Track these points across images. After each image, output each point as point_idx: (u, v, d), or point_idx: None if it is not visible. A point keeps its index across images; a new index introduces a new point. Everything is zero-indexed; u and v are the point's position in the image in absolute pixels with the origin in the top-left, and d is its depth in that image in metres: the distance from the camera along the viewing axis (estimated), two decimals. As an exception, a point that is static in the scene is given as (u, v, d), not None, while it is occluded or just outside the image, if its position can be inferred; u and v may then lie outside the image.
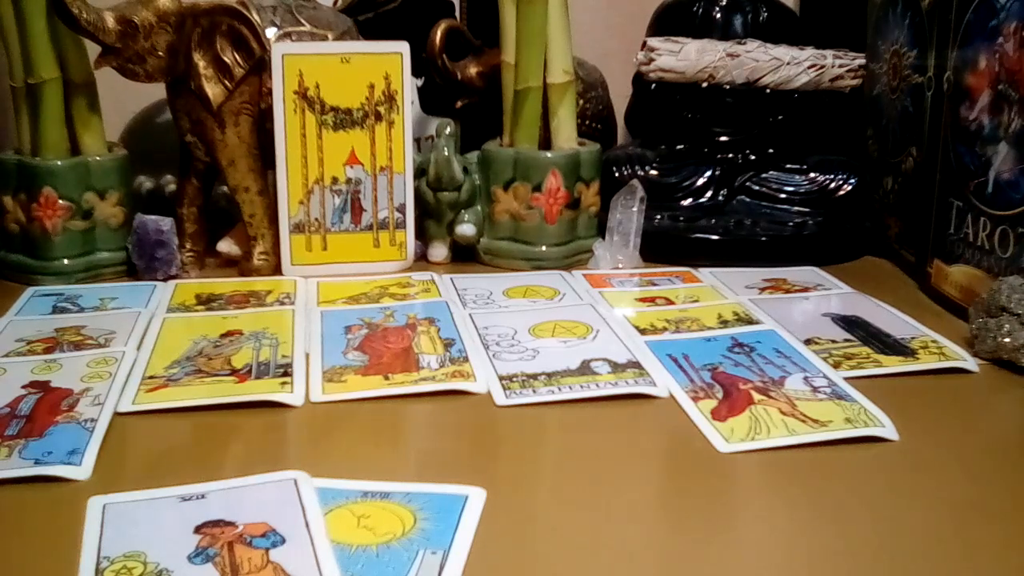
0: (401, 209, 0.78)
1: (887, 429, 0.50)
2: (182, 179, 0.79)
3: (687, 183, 0.85)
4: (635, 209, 0.79)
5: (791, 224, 0.83)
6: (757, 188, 0.85)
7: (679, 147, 0.87)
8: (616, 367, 0.57)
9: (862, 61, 0.87)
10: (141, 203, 0.82)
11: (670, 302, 0.71)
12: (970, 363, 0.59)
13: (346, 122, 0.75)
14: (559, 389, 0.54)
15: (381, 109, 0.76)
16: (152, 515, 0.41)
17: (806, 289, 0.74)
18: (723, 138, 0.87)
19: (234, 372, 0.56)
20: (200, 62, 0.73)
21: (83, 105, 0.75)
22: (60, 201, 0.73)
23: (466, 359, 0.58)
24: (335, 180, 0.76)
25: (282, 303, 0.69)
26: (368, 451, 0.49)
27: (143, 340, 0.61)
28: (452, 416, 0.53)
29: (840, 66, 0.86)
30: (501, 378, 0.56)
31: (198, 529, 0.40)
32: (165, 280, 0.74)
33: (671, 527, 0.42)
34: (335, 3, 0.90)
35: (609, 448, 0.49)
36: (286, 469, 0.45)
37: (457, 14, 0.95)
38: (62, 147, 0.75)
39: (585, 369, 0.57)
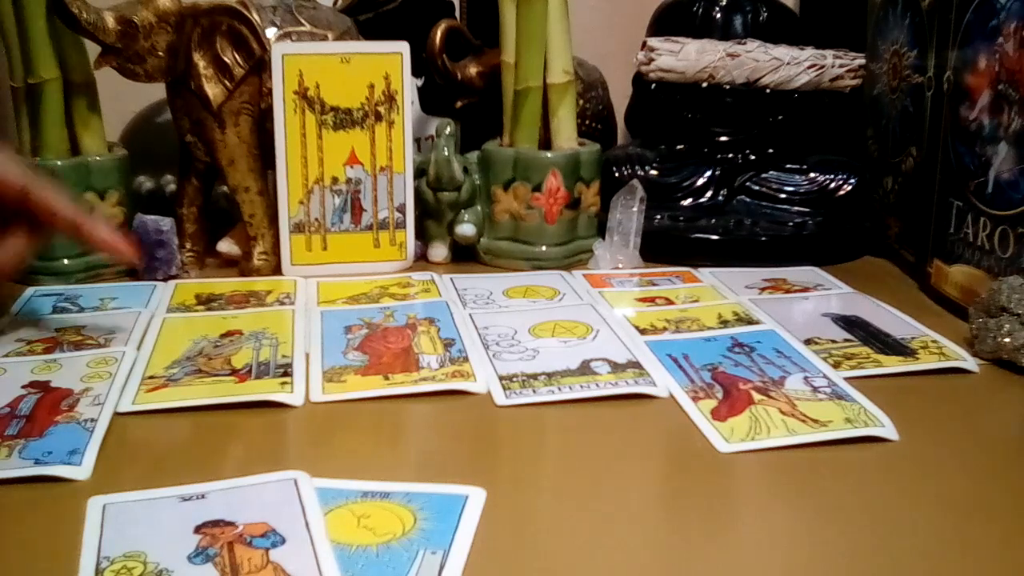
0: (401, 209, 0.78)
1: (887, 429, 0.50)
2: (182, 179, 0.79)
3: (687, 183, 0.85)
4: (635, 209, 0.79)
5: (791, 224, 0.83)
6: (757, 188, 0.85)
7: (679, 147, 0.87)
8: (616, 367, 0.57)
9: (862, 61, 0.87)
10: (141, 203, 0.82)
11: (670, 302, 0.71)
12: (970, 363, 0.59)
13: (346, 122, 0.75)
14: (559, 389, 0.54)
15: (381, 109, 0.76)
16: (152, 515, 0.41)
17: (806, 289, 0.74)
18: (723, 138, 0.87)
19: (234, 372, 0.56)
20: (200, 62, 0.73)
21: (83, 105, 0.75)
22: (60, 201, 0.73)
23: (466, 359, 0.58)
24: (335, 180, 0.76)
25: (282, 303, 0.69)
26: (368, 451, 0.49)
27: (143, 340, 0.61)
28: (452, 416, 0.53)
29: (840, 66, 0.86)
30: (501, 378, 0.56)
31: (198, 529, 0.40)
32: (165, 280, 0.74)
33: (671, 527, 0.42)
34: (335, 3, 0.89)
35: (609, 448, 0.49)
36: (286, 469, 0.45)
37: (457, 14, 0.95)
38: (62, 147, 0.75)
39: (585, 369, 0.57)
